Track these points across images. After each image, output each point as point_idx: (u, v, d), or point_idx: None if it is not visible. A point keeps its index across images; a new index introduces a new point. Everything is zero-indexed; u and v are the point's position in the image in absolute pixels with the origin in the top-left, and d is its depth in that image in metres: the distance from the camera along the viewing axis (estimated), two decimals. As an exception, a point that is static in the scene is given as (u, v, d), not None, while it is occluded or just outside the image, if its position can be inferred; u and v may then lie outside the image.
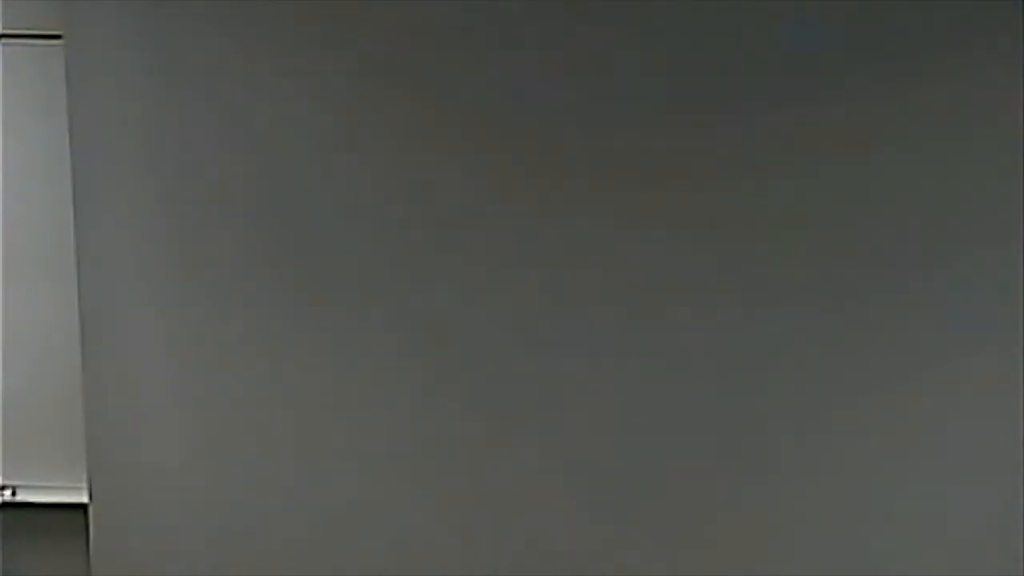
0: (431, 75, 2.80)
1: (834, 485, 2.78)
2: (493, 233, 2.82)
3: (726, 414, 2.79)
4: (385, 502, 2.87)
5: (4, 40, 3.30)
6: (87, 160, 2.86)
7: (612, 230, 2.79)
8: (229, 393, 2.89)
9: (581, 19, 2.75)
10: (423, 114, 2.81)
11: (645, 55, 2.75)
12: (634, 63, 2.76)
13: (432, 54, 2.80)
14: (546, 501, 2.84)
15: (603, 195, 2.79)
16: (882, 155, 2.72)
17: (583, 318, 2.81)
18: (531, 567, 2.84)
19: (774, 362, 2.78)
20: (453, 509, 2.87)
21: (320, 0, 2.79)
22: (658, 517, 2.82)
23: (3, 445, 3.33)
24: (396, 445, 2.87)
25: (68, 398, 3.06)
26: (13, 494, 3.34)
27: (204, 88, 2.82)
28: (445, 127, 2.81)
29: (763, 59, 2.72)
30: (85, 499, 2.95)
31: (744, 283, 2.78)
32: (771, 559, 2.80)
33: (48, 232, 3.25)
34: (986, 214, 2.71)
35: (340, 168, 2.83)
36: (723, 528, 2.82)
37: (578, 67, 2.77)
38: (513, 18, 2.77)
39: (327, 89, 2.82)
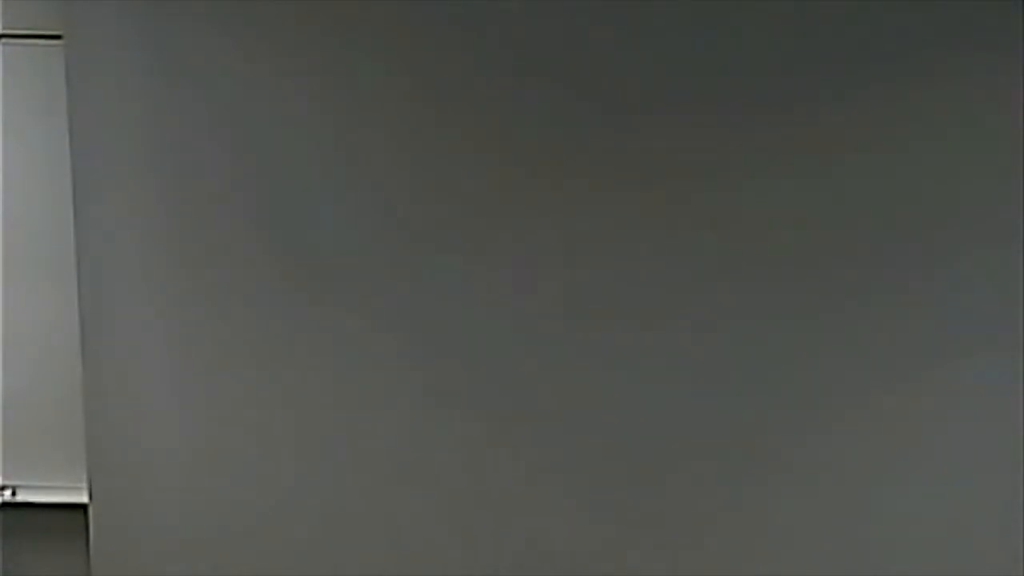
0: (431, 75, 2.80)
1: (834, 485, 2.78)
2: (493, 233, 2.82)
3: (726, 414, 2.79)
4: (385, 502, 2.87)
5: (4, 40, 3.30)
6: (87, 160, 2.86)
7: (612, 230, 2.79)
8: (229, 393, 2.89)
9: (581, 19, 2.75)
10: (423, 114, 2.81)
11: (645, 55, 2.75)
12: (634, 63, 2.75)
13: (432, 54, 2.80)
14: (546, 501, 2.84)
15: (603, 195, 2.79)
16: (882, 155, 2.72)
17: (583, 318, 2.81)
18: (531, 567, 2.84)
19: (774, 362, 2.78)
20: (453, 509, 2.87)
21: (320, 0, 2.79)
22: (658, 517, 2.82)
23: (3, 445, 3.33)
24: (396, 445, 2.87)
25: (68, 398, 3.06)
26: (13, 494, 3.34)
27: (204, 88, 2.82)
28: (445, 127, 2.81)
29: (763, 59, 2.72)
30: (85, 499, 2.94)
31: (744, 283, 2.78)
32: (771, 559, 2.80)
33: (48, 232, 3.25)
34: (986, 214, 2.71)
35: (340, 168, 2.83)
36: (723, 528, 2.82)
37: (578, 67, 2.77)
38: (513, 18, 2.77)
39: (327, 89, 2.82)
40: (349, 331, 2.86)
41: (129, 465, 2.92)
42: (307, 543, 2.89)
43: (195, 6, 2.80)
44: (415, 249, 2.83)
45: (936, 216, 2.71)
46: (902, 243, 2.73)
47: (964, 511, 2.74)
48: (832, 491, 2.78)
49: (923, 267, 2.72)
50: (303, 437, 2.88)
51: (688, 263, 2.78)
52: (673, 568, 2.81)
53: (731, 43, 2.74)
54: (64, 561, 3.24)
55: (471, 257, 2.83)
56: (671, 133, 2.76)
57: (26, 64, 3.29)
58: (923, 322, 2.73)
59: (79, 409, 2.93)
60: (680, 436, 2.81)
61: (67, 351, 3.00)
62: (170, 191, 2.85)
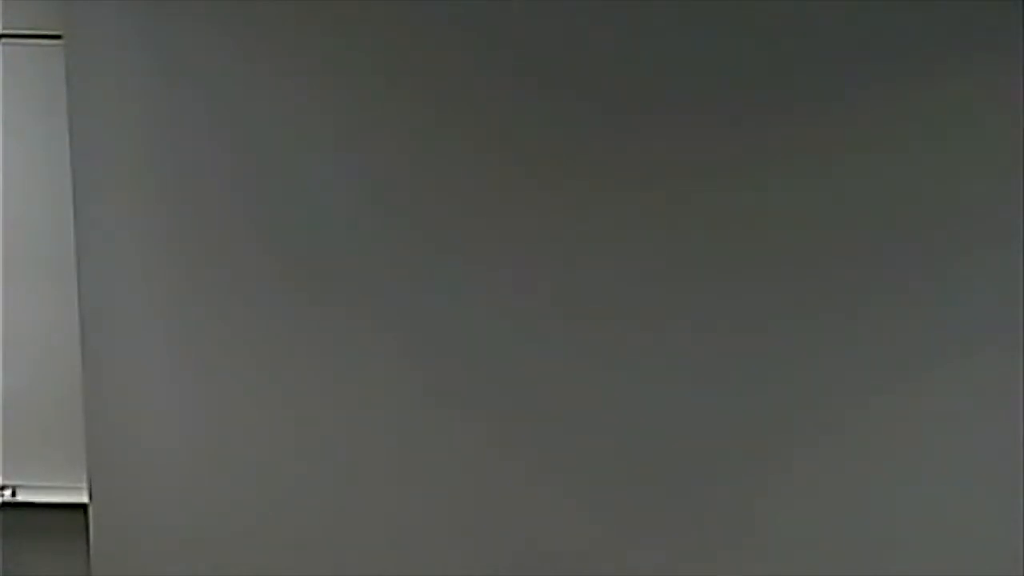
0: (431, 75, 2.80)
1: (834, 485, 2.78)
2: (493, 233, 2.82)
3: (726, 414, 2.79)
4: (385, 502, 2.87)
5: (4, 40, 3.30)
6: (87, 160, 2.86)
7: (612, 230, 2.79)
8: (229, 393, 2.89)
9: (581, 19, 2.75)
10: (423, 114, 2.81)
11: (645, 55, 2.75)
12: (634, 63, 2.75)
13: (432, 54, 2.80)
14: (546, 501, 2.84)
15: (603, 195, 2.79)
16: (882, 155, 2.72)
17: (583, 318, 2.81)
18: (531, 567, 2.84)
19: (774, 362, 2.78)
20: (453, 509, 2.87)
21: (320, 0, 2.79)
22: (658, 517, 2.82)
23: (3, 445, 3.33)
24: (396, 445, 2.87)
25: (68, 398, 3.06)
26: (13, 494, 3.34)
27: (204, 88, 2.82)
28: (445, 127, 2.81)
29: (763, 59, 2.72)
30: (85, 499, 2.94)
31: (744, 283, 2.78)
32: (771, 559, 2.80)
33: (48, 232, 3.25)
34: (986, 214, 2.71)
35: (340, 168, 2.83)
36: (723, 528, 2.82)
37: (578, 67, 2.77)
38: (513, 18, 2.77)
39: (327, 89, 2.82)
40: (349, 331, 2.86)
41: (129, 465, 2.92)
42: (307, 543, 2.89)
43: (195, 6, 2.80)
44: (415, 249, 2.83)
45: (936, 216, 2.71)
46: (902, 243, 2.73)
47: (964, 511, 2.74)
48: (832, 491, 2.78)
49: (923, 267, 2.72)
50: (303, 437, 2.88)
51: (688, 263, 2.78)
52: (673, 568, 2.81)
53: (731, 43, 2.74)
54: (64, 561, 3.24)
55: (471, 257, 2.83)
56: (671, 133, 2.76)
57: (26, 64, 3.29)
58: (923, 322, 2.73)
59: (79, 409, 2.92)
60: (680, 436, 2.80)
61: (67, 351, 3.00)
62: (170, 191, 2.85)
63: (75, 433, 2.96)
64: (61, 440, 3.24)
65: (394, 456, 2.87)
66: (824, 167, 2.74)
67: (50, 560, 3.36)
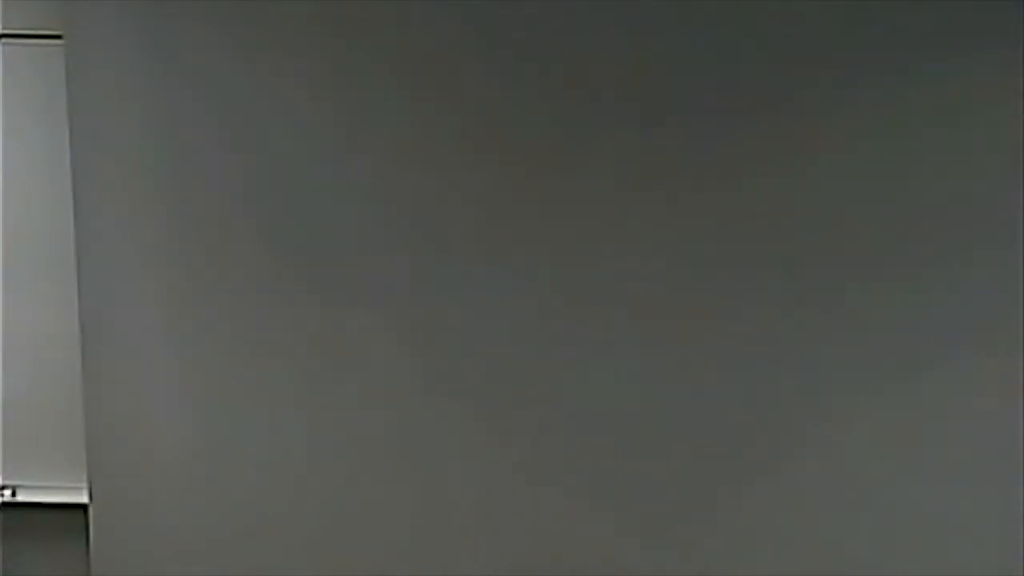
0: (431, 75, 2.80)
1: (834, 485, 2.78)
2: (494, 233, 2.82)
3: (726, 414, 2.79)
4: (385, 502, 2.87)
5: (4, 40, 3.30)
6: (87, 160, 2.86)
7: (613, 229, 2.79)
8: (229, 393, 2.89)
9: (582, 19, 2.75)
10: (423, 114, 2.81)
11: (645, 55, 2.75)
12: (634, 63, 2.75)
13: (432, 54, 2.80)
14: (547, 501, 2.84)
15: (603, 195, 2.79)
16: (882, 155, 2.72)
17: (584, 318, 2.81)
18: (531, 567, 2.84)
19: (775, 362, 2.78)
20: (454, 509, 2.87)
21: (320, 0, 2.79)
22: (658, 517, 2.82)
23: (3, 445, 3.33)
24: (397, 445, 2.87)
25: (68, 398, 3.06)
26: (13, 494, 3.35)
27: (204, 88, 2.82)
28: (445, 127, 2.81)
29: (763, 59, 2.72)
30: (85, 499, 2.94)
31: (744, 283, 2.77)
32: (771, 559, 2.80)
33: (48, 232, 3.25)
34: (986, 214, 2.71)
35: (340, 168, 2.83)
36: (723, 528, 2.82)
37: (579, 67, 2.77)
38: (513, 18, 2.77)
39: (327, 89, 2.82)
40: (349, 331, 2.85)
41: (129, 465, 2.92)
42: (307, 543, 2.89)
43: (195, 6, 2.80)
44: (416, 249, 2.83)
45: (936, 216, 2.71)
46: (902, 242, 2.73)
47: (964, 510, 2.74)
48: (832, 491, 2.78)
49: (923, 267, 2.72)
50: (303, 437, 2.88)
51: (688, 263, 2.78)
52: (673, 568, 2.81)
53: (731, 43, 2.73)
54: (64, 561, 3.24)
55: (472, 257, 2.83)
56: (672, 133, 2.76)
57: (26, 64, 3.30)
58: (923, 322, 2.73)
59: (79, 409, 2.92)
60: (680, 436, 2.80)
61: (67, 351, 3.00)
62: (170, 191, 2.85)
63: (75, 433, 2.96)
64: (61, 440, 3.24)
65: (394, 456, 2.87)
66: (824, 167, 2.74)
67: (50, 560, 3.36)
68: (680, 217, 2.78)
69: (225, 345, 2.88)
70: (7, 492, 3.34)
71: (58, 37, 2.95)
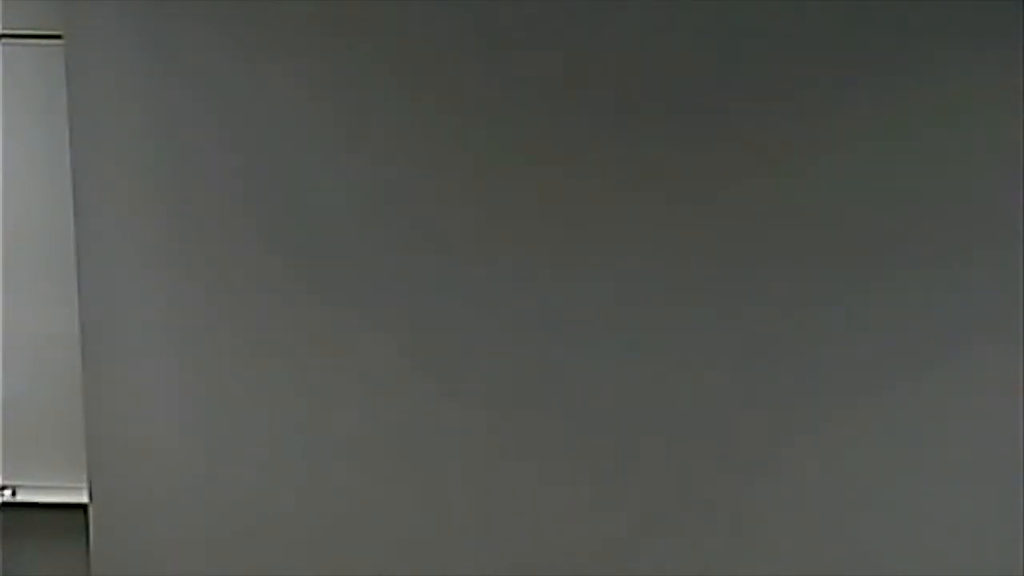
0: (431, 75, 2.80)
1: (834, 485, 2.78)
2: (493, 233, 2.82)
3: (726, 414, 2.79)
4: (386, 502, 2.87)
5: (4, 40, 3.30)
6: (87, 160, 2.86)
7: (613, 229, 2.79)
8: (229, 393, 2.89)
9: (581, 19, 2.75)
10: (423, 113, 2.81)
11: (645, 55, 2.75)
12: (634, 62, 2.75)
13: (432, 54, 2.80)
14: (547, 501, 2.84)
15: (603, 195, 2.79)
16: (882, 154, 2.72)
17: (584, 317, 2.81)
18: (532, 567, 2.84)
19: (775, 362, 2.78)
20: (455, 508, 2.87)
21: (320, 0, 2.79)
22: (659, 517, 2.82)
23: (3, 445, 3.33)
24: (397, 445, 2.87)
25: (68, 398, 3.06)
26: (13, 494, 3.34)
27: (204, 88, 2.82)
28: (445, 127, 2.81)
29: (764, 59, 2.72)
30: (85, 499, 2.95)
31: (744, 282, 2.78)
32: (771, 558, 2.80)
33: (48, 232, 3.25)
34: (986, 214, 2.71)
35: (340, 168, 2.83)
36: (723, 528, 2.82)
37: (579, 67, 2.77)
38: (513, 18, 2.77)
39: (327, 89, 2.82)
40: (349, 331, 2.86)
41: (129, 465, 2.92)
42: (307, 543, 2.89)
43: (195, 6, 2.80)
44: (415, 249, 2.83)
45: (936, 215, 2.71)
46: (902, 242, 2.73)
47: (964, 510, 2.74)
48: (832, 490, 2.78)
49: (923, 266, 2.72)
50: (303, 437, 2.88)
51: (689, 263, 2.78)
52: (676, 567, 2.81)
53: (732, 43, 2.74)
54: (64, 561, 3.24)
55: (471, 257, 2.83)
56: (672, 133, 2.76)
57: (26, 64, 3.29)
58: (923, 320, 2.73)
59: (79, 409, 2.93)
60: (681, 436, 2.80)
61: (67, 351, 3.00)
62: (170, 191, 2.85)
63: (75, 433, 2.96)
64: (61, 440, 3.24)
65: (395, 456, 2.87)
66: (824, 166, 2.74)
67: (50, 560, 3.36)
68: (680, 217, 2.78)
69: (225, 345, 2.88)
70: (7, 492, 3.34)
71: (58, 37, 2.95)
